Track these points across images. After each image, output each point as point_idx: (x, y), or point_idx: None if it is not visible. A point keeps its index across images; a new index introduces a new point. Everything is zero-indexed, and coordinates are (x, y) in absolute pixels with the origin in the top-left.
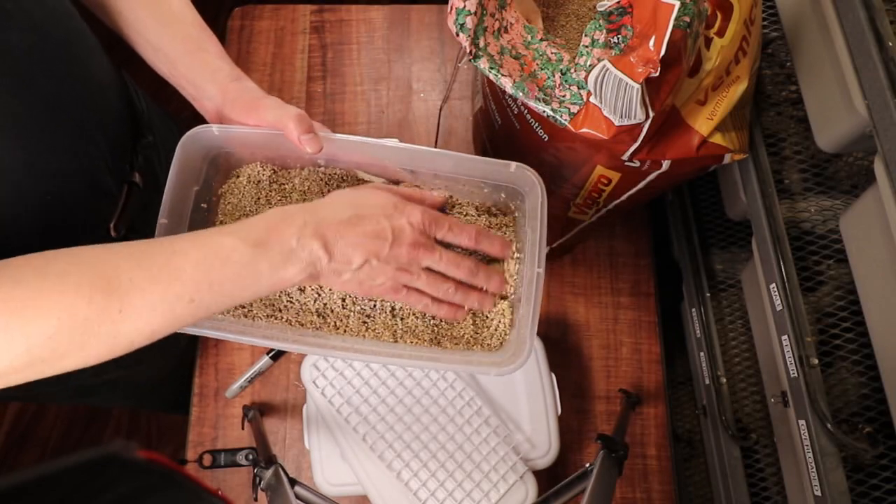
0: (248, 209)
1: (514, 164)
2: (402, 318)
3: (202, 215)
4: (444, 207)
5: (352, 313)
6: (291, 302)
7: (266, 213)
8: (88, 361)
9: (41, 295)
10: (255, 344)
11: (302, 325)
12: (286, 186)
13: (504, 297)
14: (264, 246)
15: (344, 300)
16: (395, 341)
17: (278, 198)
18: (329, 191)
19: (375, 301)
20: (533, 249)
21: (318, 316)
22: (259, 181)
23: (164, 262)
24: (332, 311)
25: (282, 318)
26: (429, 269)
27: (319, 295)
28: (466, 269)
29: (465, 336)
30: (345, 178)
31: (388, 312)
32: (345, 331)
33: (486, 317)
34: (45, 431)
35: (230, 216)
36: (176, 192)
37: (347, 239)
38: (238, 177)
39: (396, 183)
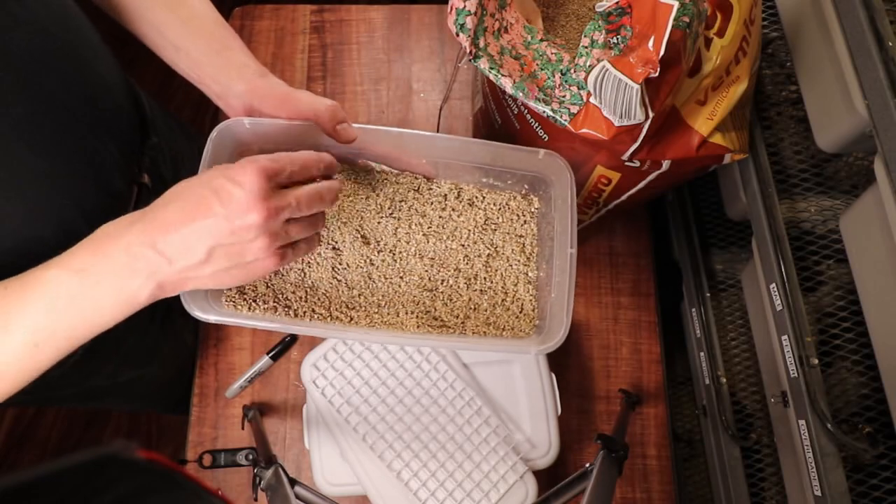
0: None
1: (542, 152)
2: (430, 313)
3: None
4: (473, 202)
5: (384, 306)
6: (318, 297)
7: (95, 232)
8: None
9: None
10: (288, 331)
11: (336, 317)
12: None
13: (527, 270)
14: (91, 270)
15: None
16: (423, 331)
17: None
18: (349, 186)
19: (405, 293)
20: (564, 231)
21: (349, 308)
22: None
23: None
24: (360, 305)
25: (311, 310)
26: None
27: (350, 289)
28: (332, 195)
29: (493, 323)
30: (363, 172)
31: (420, 304)
32: (378, 324)
33: (513, 302)
34: (44, 432)
35: None
36: None
37: (177, 232)
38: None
39: (429, 180)
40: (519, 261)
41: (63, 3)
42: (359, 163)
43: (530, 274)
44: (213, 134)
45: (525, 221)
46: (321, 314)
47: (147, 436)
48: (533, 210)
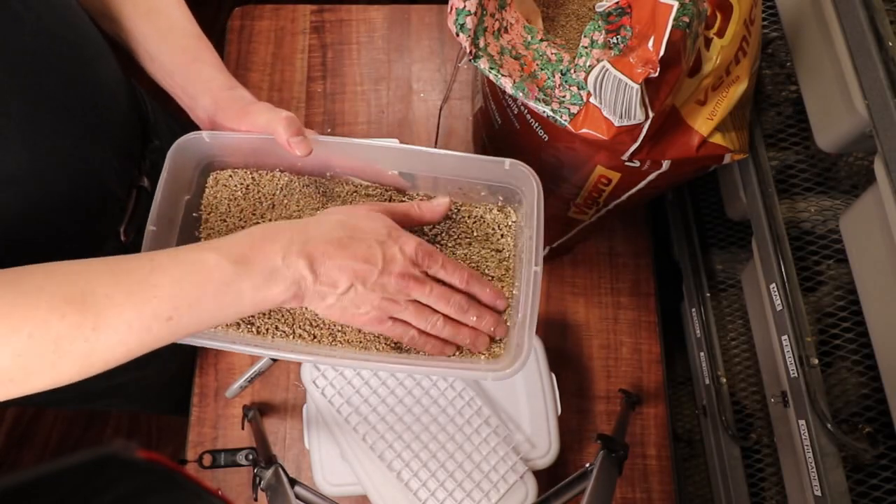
0: (231, 220)
1: (508, 161)
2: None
3: (194, 224)
4: (449, 215)
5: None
6: (281, 313)
7: (251, 228)
8: (60, 381)
9: (13, 310)
10: (245, 352)
11: (298, 335)
12: (267, 195)
13: (501, 287)
14: (247, 264)
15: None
16: (385, 351)
17: (260, 207)
18: (317, 199)
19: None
20: (530, 247)
21: (312, 325)
22: (237, 189)
23: (141, 278)
24: (324, 322)
25: (275, 326)
26: (417, 302)
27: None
28: (456, 305)
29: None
30: (331, 185)
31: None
32: (341, 342)
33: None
34: (44, 432)
35: (215, 228)
36: (165, 199)
37: (335, 261)
38: (216, 185)
39: (401, 192)
40: (495, 276)
41: (68, 4)
42: (327, 175)
43: (506, 291)
44: (171, 150)
45: (502, 235)
46: (284, 331)
47: (147, 436)
48: (510, 223)
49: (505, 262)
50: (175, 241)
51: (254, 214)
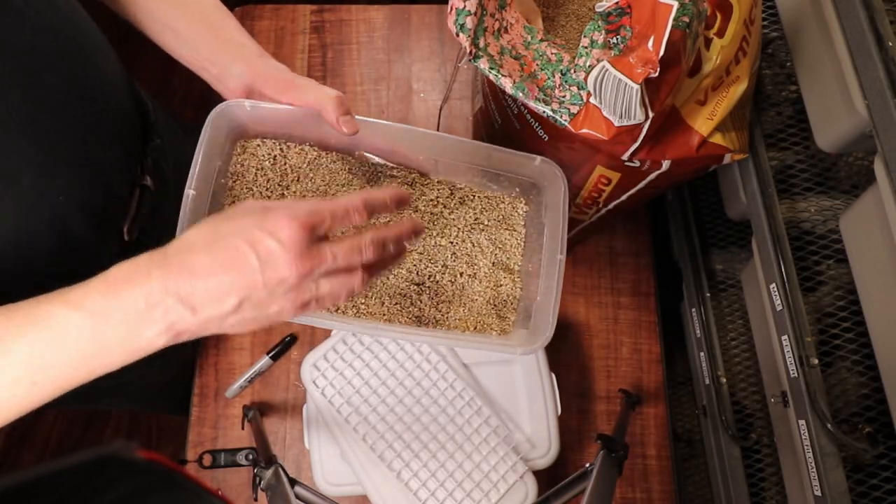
0: (258, 189)
1: (539, 158)
2: (416, 306)
3: (222, 191)
4: (464, 201)
5: (371, 297)
6: None
7: (107, 271)
8: None
9: None
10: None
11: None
12: (294, 167)
13: (510, 271)
14: (105, 314)
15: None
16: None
17: (286, 179)
18: (342, 176)
19: (393, 289)
20: (555, 238)
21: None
22: (264, 158)
23: None
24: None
25: None
26: (330, 272)
27: None
28: (373, 248)
29: (475, 321)
30: (358, 164)
31: (407, 298)
32: (364, 314)
33: (495, 302)
34: (44, 432)
35: (240, 197)
36: (204, 164)
37: (206, 281)
38: (243, 153)
39: (424, 175)
40: (502, 262)
41: (69, 2)
42: (355, 154)
43: (514, 276)
44: (212, 114)
45: (513, 224)
46: None
47: (147, 436)
48: (521, 213)
49: (513, 250)
50: (207, 206)
51: (279, 185)
